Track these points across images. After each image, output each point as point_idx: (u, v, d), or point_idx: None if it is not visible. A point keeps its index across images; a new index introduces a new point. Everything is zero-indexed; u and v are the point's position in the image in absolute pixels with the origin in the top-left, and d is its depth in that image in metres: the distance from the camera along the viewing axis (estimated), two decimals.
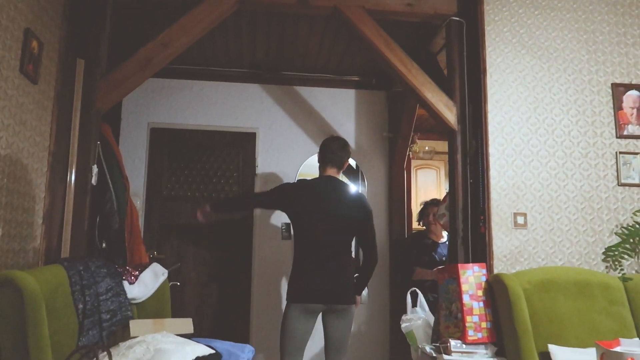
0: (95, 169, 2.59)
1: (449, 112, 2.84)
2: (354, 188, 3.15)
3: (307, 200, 2.74)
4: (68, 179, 2.48)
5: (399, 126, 4.15)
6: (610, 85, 2.83)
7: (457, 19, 2.90)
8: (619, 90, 2.82)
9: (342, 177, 4.39)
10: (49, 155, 2.40)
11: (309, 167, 4.05)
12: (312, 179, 2.99)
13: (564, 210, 2.69)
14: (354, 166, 4.45)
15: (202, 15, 2.72)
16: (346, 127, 4.31)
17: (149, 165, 4.05)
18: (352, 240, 2.87)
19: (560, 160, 2.73)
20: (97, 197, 2.64)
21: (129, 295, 2.30)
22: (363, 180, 4.33)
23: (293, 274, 2.71)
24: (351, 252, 2.89)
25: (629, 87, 2.83)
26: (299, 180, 3.09)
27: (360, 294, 2.91)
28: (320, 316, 2.72)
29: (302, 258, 2.70)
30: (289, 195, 2.79)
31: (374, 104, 4.39)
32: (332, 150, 2.86)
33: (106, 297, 2.11)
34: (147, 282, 2.44)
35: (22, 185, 2.13)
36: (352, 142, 4.29)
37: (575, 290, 2.44)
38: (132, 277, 2.40)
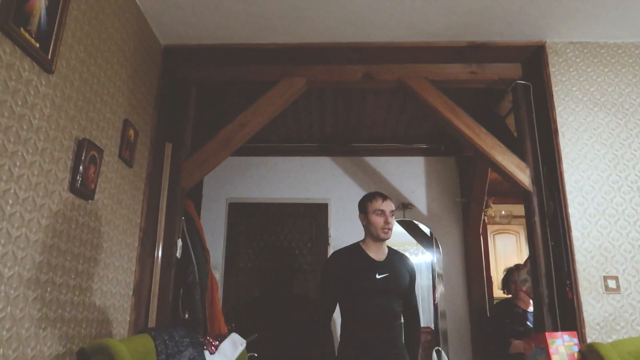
0: (179, 242, 2.77)
1: (522, 174, 2.78)
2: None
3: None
4: (155, 253, 2.67)
5: (472, 191, 4.10)
6: None
7: (523, 82, 2.91)
8: None
9: (415, 245, 4.35)
10: (140, 231, 2.61)
11: None
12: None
13: None
14: (428, 232, 4.39)
15: (276, 97, 2.95)
16: (417, 193, 4.32)
17: (228, 238, 4.25)
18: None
19: None
20: (181, 269, 2.80)
21: None
22: (437, 246, 4.24)
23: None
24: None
25: None
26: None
27: None
28: None
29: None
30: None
31: (444, 170, 4.40)
32: None
33: None
34: (227, 352, 2.50)
35: (116, 259, 2.32)
36: (423, 209, 4.27)
37: None
38: (213, 347, 2.47)
